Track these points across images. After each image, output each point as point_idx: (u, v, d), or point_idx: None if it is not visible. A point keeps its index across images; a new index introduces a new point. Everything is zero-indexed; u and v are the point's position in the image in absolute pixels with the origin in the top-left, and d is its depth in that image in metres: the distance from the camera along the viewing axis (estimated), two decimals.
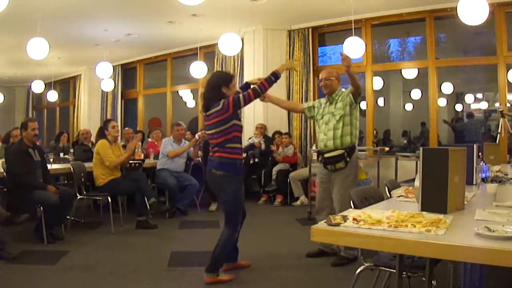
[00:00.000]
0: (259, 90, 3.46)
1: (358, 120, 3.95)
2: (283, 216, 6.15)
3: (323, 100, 4.13)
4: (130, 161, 5.80)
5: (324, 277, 3.64)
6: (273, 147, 7.21)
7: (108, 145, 5.32)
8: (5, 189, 4.73)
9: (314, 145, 7.03)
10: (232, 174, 3.41)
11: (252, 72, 7.52)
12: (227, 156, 3.38)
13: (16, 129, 8.42)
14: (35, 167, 4.64)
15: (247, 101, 3.42)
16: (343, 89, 4.04)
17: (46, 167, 4.92)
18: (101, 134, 5.50)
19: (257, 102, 7.85)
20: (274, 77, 3.50)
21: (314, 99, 7.19)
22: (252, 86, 3.53)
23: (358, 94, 3.84)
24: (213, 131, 3.42)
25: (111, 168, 5.31)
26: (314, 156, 6.17)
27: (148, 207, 5.35)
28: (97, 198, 5.66)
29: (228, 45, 6.16)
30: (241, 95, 3.39)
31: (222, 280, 3.46)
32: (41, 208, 4.45)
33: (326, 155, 3.91)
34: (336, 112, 3.91)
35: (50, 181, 4.79)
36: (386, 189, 2.98)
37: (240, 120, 3.49)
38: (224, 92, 3.41)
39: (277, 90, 7.55)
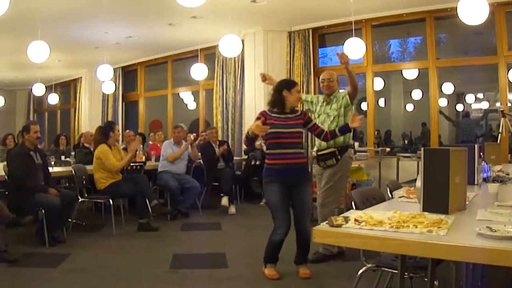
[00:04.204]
0: (245, 139, 3.59)
1: None
2: None
3: (321, 98, 4.20)
4: (132, 164, 5.79)
5: (326, 277, 3.64)
6: None
7: (108, 149, 5.29)
8: (7, 192, 4.73)
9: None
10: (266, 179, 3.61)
11: (253, 74, 7.51)
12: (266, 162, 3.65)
13: (9, 135, 8.44)
14: (37, 170, 4.64)
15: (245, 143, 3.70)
16: (341, 90, 4.10)
17: (48, 170, 4.92)
18: (105, 136, 5.45)
19: (258, 104, 7.80)
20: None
21: None
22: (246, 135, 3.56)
23: (355, 95, 3.93)
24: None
25: (114, 171, 5.31)
26: None
27: (150, 209, 5.35)
28: (99, 201, 5.67)
29: (229, 47, 6.17)
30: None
31: (264, 273, 3.60)
32: (43, 210, 4.45)
33: (319, 153, 4.02)
34: (331, 113, 4.00)
35: (52, 184, 4.79)
36: (388, 190, 2.98)
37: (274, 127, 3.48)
38: (285, 96, 3.52)
39: None
